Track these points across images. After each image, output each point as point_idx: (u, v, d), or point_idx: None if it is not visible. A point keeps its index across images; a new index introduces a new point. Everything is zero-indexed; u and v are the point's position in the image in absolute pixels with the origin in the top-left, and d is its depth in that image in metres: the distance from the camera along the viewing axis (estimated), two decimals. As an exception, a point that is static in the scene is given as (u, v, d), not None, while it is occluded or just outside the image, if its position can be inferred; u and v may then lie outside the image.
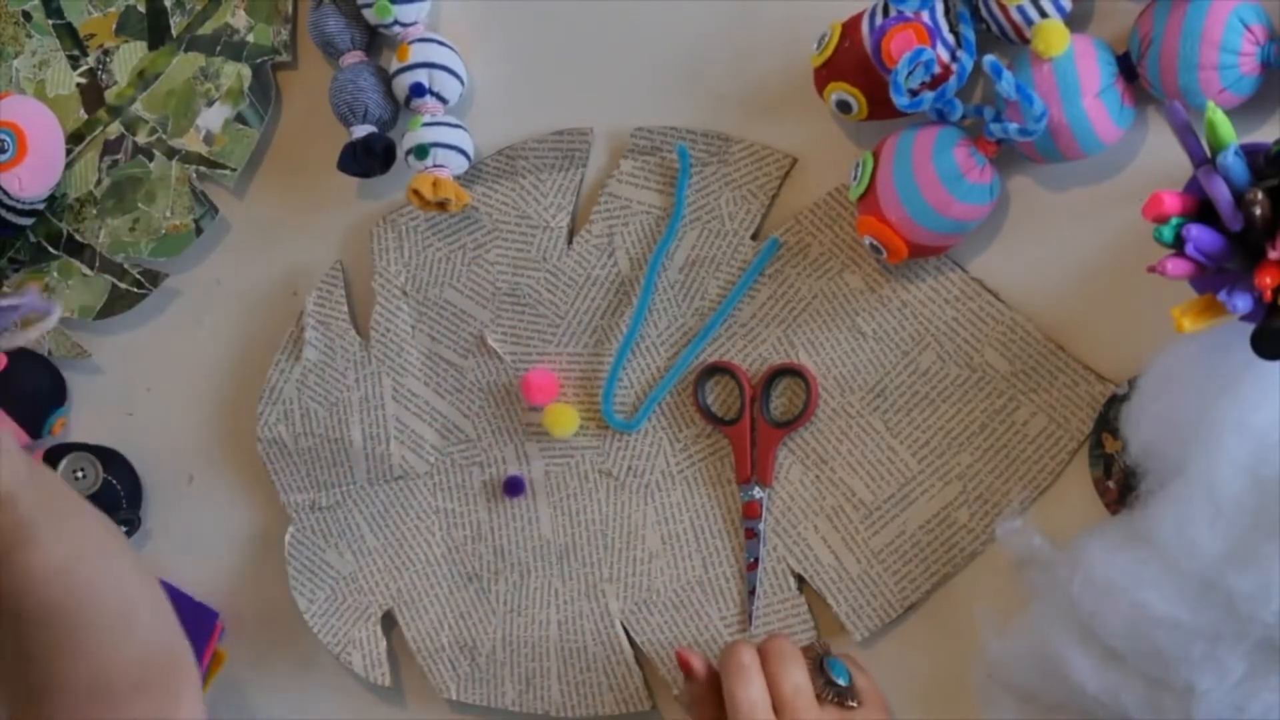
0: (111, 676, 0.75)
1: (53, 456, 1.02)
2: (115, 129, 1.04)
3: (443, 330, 0.96)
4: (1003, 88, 0.76)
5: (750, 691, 0.78)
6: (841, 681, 0.81)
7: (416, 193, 0.91)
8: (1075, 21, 0.79)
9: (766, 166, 0.89)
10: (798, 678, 0.80)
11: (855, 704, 0.80)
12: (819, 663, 0.81)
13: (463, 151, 0.93)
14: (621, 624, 0.93)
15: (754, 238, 0.90)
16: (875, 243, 0.82)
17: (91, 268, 1.05)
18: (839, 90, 0.82)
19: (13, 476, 0.69)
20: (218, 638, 1.03)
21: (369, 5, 0.93)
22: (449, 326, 0.96)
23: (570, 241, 0.93)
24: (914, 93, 0.79)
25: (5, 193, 1.01)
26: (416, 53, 0.93)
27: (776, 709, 0.79)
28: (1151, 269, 0.70)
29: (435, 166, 0.92)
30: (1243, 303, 0.67)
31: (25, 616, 0.72)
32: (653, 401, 0.91)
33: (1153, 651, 0.74)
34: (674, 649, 0.91)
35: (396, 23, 0.93)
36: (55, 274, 1.06)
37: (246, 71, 1.00)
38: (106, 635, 0.74)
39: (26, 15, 1.07)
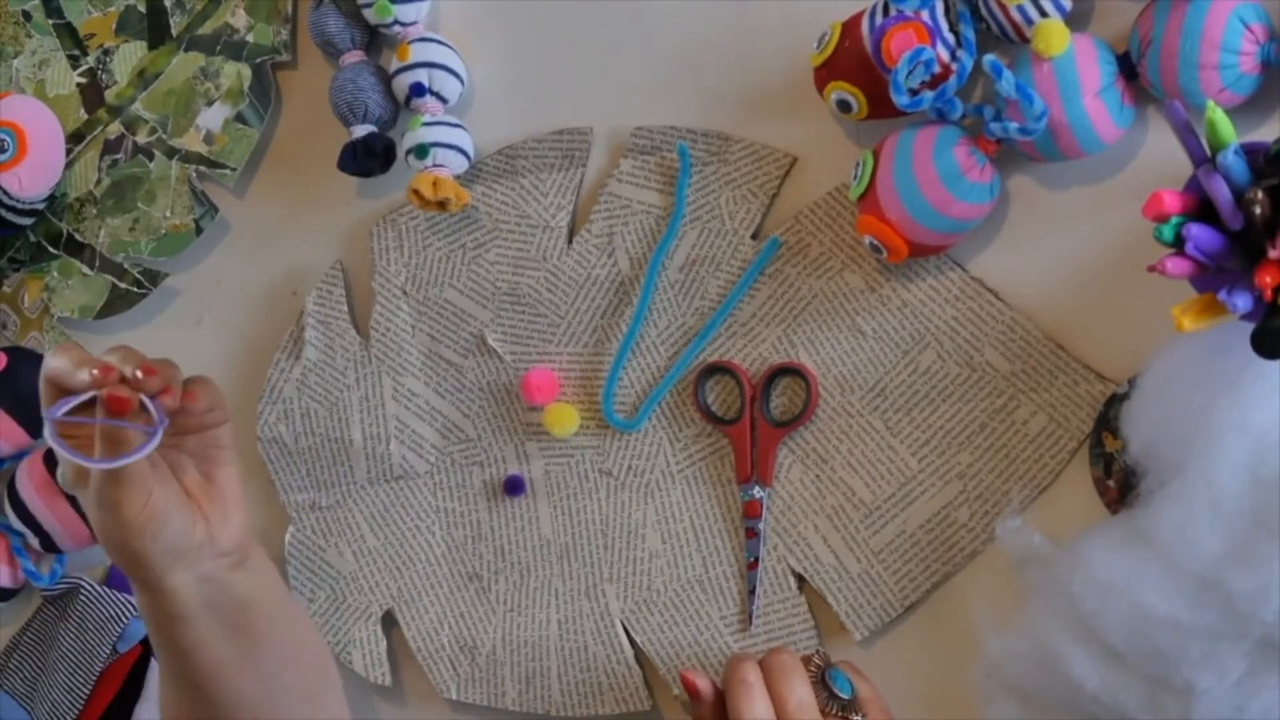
0: None
1: (53, 456, 1.02)
2: (115, 129, 1.04)
3: (443, 330, 0.96)
4: (1003, 87, 0.76)
5: (755, 710, 0.78)
6: (844, 694, 0.81)
7: (416, 192, 0.91)
8: (1075, 21, 0.79)
9: (766, 166, 0.89)
10: (802, 692, 0.79)
11: (859, 716, 0.80)
12: (821, 675, 0.81)
13: (463, 151, 0.93)
14: (621, 623, 0.93)
15: (754, 237, 0.90)
16: (875, 242, 0.82)
17: (91, 267, 1.05)
18: (839, 89, 0.82)
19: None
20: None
21: (369, 5, 0.93)
22: (449, 326, 0.96)
23: (570, 241, 0.93)
24: (914, 92, 0.79)
25: (5, 193, 1.01)
26: (416, 52, 0.93)
27: None
28: (1151, 268, 0.70)
29: (435, 166, 0.92)
30: (1243, 302, 0.67)
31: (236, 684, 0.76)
32: (653, 401, 0.91)
33: (1153, 651, 0.74)
34: (679, 667, 0.91)
35: (396, 22, 0.93)
36: (55, 273, 1.06)
37: (246, 71, 1.00)
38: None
39: (26, 15, 1.07)
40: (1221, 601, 0.72)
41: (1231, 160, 0.68)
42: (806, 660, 0.82)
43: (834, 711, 0.80)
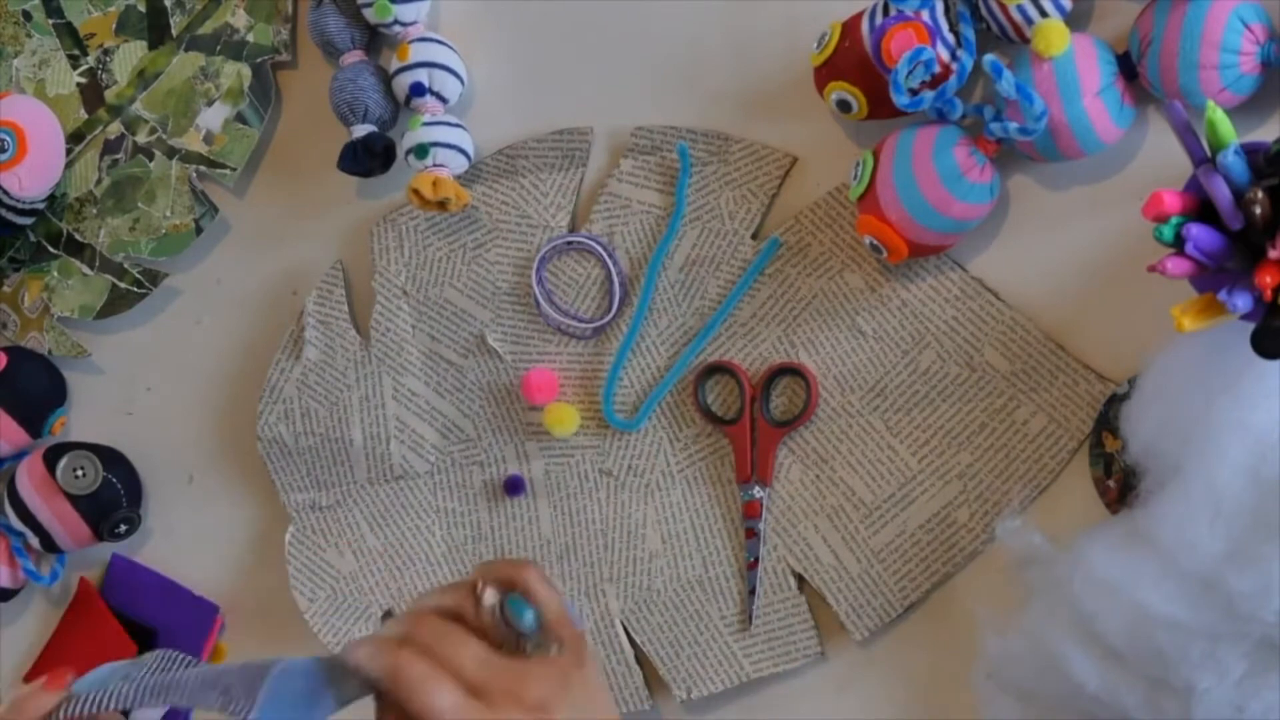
0: None
1: (52, 455, 1.02)
2: (115, 128, 1.04)
3: (443, 330, 0.96)
4: (1003, 87, 0.76)
5: (442, 700, 0.63)
6: (529, 627, 0.66)
7: (416, 192, 0.91)
8: (1075, 21, 0.79)
9: (766, 166, 0.89)
10: (475, 649, 0.65)
11: (554, 646, 0.67)
12: (499, 609, 0.67)
13: (463, 151, 0.93)
14: (621, 624, 0.93)
15: (754, 237, 0.90)
16: (875, 242, 0.82)
17: (91, 267, 1.05)
18: (839, 89, 0.82)
19: None
20: (218, 631, 1.03)
21: (369, 5, 0.93)
22: (449, 326, 0.96)
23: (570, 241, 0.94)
24: (914, 92, 0.79)
25: (5, 192, 1.01)
26: (416, 52, 0.93)
27: (476, 692, 0.63)
28: (1151, 268, 0.70)
29: (435, 166, 0.92)
30: (1243, 302, 0.67)
31: None
32: (653, 401, 0.91)
33: (1153, 651, 0.74)
34: (674, 647, 0.91)
35: (396, 22, 0.93)
36: (55, 273, 1.06)
37: (246, 71, 1.00)
38: None
39: (26, 15, 1.07)
40: (1222, 602, 0.72)
41: (1231, 160, 0.68)
42: (470, 591, 0.67)
43: (525, 649, 0.67)
